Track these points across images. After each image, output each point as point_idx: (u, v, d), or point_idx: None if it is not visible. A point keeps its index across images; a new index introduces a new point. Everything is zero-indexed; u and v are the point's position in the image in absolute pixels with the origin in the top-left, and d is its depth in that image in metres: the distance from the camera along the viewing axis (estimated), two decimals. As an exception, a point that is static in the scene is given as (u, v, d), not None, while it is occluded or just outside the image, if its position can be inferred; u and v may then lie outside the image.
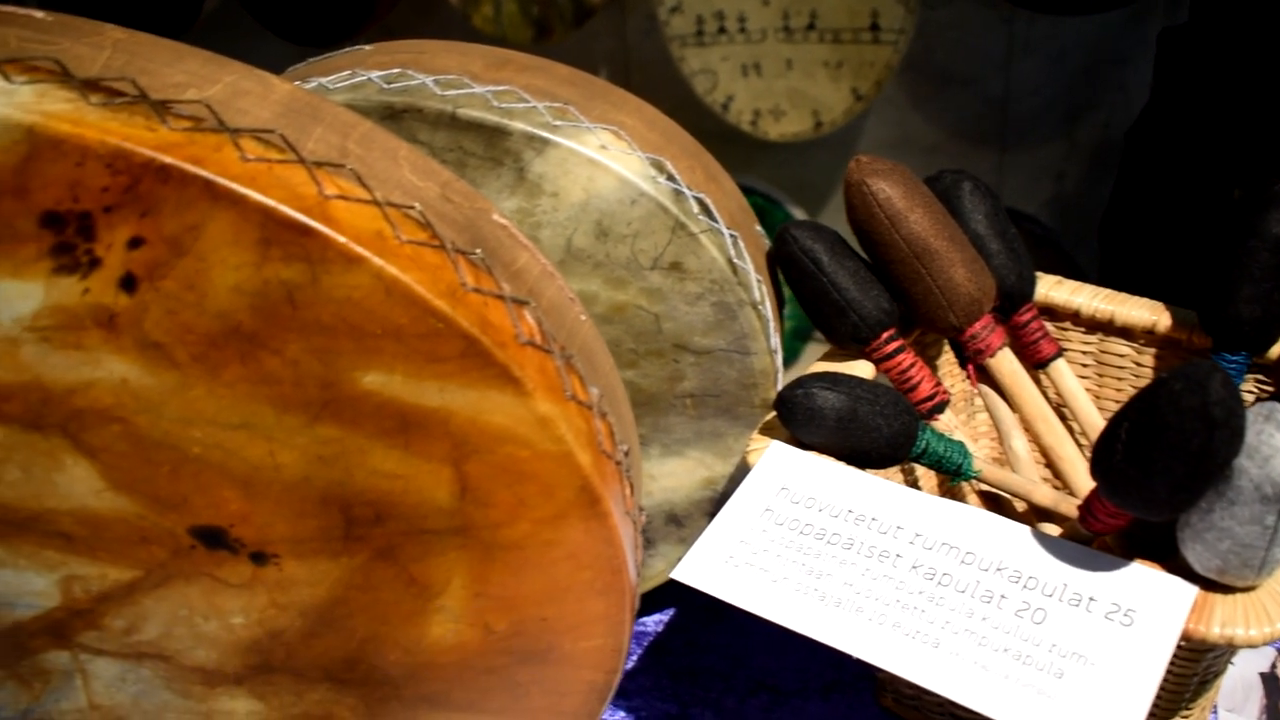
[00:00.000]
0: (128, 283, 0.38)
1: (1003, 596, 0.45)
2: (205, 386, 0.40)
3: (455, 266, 0.39)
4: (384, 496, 0.41)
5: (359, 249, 0.37)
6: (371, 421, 0.40)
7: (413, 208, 0.40)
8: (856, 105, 1.25)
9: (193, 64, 0.41)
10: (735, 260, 0.53)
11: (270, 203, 0.37)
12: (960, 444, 0.52)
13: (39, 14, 0.42)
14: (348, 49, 0.57)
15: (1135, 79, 1.36)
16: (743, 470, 0.55)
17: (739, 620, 0.65)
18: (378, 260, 0.37)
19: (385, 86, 0.51)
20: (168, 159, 0.36)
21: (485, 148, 0.51)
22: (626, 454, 0.44)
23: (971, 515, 0.47)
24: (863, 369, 0.56)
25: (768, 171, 1.43)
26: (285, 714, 0.47)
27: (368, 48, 0.57)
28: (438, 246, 0.39)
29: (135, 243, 0.38)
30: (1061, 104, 1.42)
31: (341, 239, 0.37)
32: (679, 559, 0.60)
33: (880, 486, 0.49)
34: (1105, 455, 0.42)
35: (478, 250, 0.41)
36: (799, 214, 1.46)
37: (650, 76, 1.39)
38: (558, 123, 0.51)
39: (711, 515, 0.58)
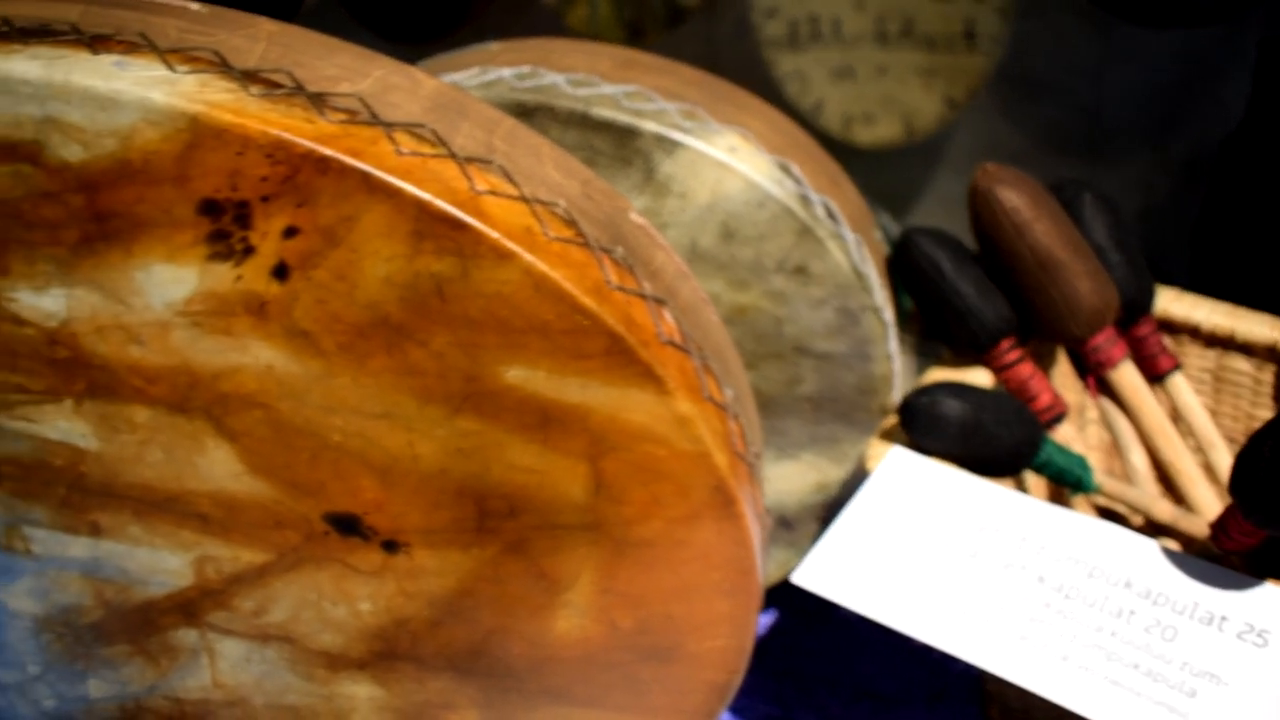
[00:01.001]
0: (280, 271, 0.39)
1: (1132, 612, 0.44)
2: (350, 376, 0.40)
3: (600, 264, 0.40)
4: (519, 490, 0.42)
5: (510, 244, 0.38)
6: (512, 416, 0.40)
7: (558, 205, 0.40)
8: (949, 113, 1.24)
9: (344, 58, 0.42)
10: (859, 265, 0.53)
11: (426, 196, 0.37)
12: (1081, 457, 0.52)
13: (194, 5, 0.43)
14: (474, 46, 0.58)
15: (1230, 90, 1.34)
16: (858, 476, 0.55)
17: (841, 625, 0.64)
18: (528, 256, 0.38)
19: (517, 84, 0.52)
20: (327, 151, 0.37)
21: (615, 147, 0.51)
22: (757, 456, 0.44)
23: (1098, 528, 0.47)
24: (980, 377, 0.55)
25: (854, 178, 1.42)
26: (406, 701, 0.47)
27: (494, 45, 0.57)
28: (583, 244, 0.40)
29: (290, 232, 0.38)
30: (1154, 115, 1.40)
31: (494, 234, 0.38)
32: (787, 561, 0.60)
33: (1004, 496, 0.48)
34: (1248, 473, 0.42)
35: (619, 248, 0.41)
36: (885, 220, 1.45)
37: (738, 80, 1.39)
38: (687, 124, 0.51)
39: (822, 520, 0.58)
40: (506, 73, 0.53)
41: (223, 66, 0.39)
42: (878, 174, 1.42)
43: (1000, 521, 0.48)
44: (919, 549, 0.48)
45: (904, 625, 0.45)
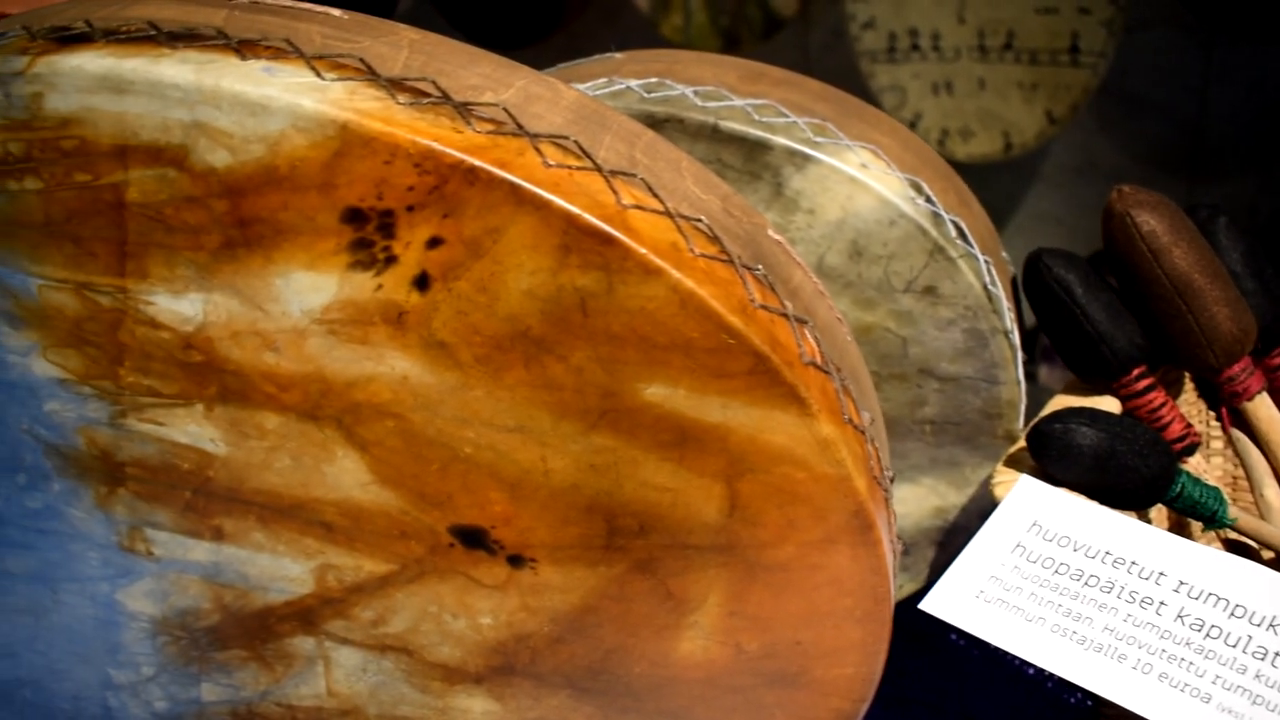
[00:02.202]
0: (421, 282, 0.38)
1: (1277, 654, 0.43)
2: (485, 388, 0.40)
3: (744, 282, 0.39)
4: (651, 509, 0.41)
5: (658, 260, 0.37)
6: (648, 434, 0.40)
7: (700, 220, 0.40)
8: (1049, 128, 1.22)
9: (486, 67, 0.41)
10: (989, 287, 0.52)
11: (574, 210, 0.37)
12: (1216, 489, 0.50)
13: (336, 12, 0.42)
14: (599, 56, 0.57)
15: (1338, 110, 1.31)
16: (977, 501, 0.54)
17: (950, 651, 0.63)
18: (675, 273, 0.37)
19: (646, 95, 0.51)
20: (476, 161, 0.37)
21: (744, 161, 0.50)
22: (891, 480, 0.43)
23: (1238, 566, 0.45)
24: (1109, 405, 0.54)
25: (946, 192, 1.40)
26: (522, 717, 0.47)
27: (619, 55, 0.57)
28: (727, 261, 0.39)
29: (434, 243, 0.38)
30: (1259, 134, 1.37)
31: (642, 250, 0.37)
32: (900, 586, 0.59)
33: (1139, 530, 0.47)
34: None
35: (760, 266, 0.40)
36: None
37: (831, 91, 1.38)
38: (818, 139, 0.50)
39: (939, 545, 0.57)
40: (634, 84, 0.52)
41: (369, 74, 0.38)
42: (972, 189, 1.41)
43: (1135, 555, 0.46)
44: (1052, 581, 0.46)
45: (1039, 658, 0.44)
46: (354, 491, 0.43)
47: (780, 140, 0.50)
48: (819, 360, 0.40)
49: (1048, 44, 1.20)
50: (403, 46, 0.41)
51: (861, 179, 0.50)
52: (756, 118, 0.50)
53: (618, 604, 0.43)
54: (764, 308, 0.39)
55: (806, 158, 0.50)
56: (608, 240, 0.37)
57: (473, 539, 0.43)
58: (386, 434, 0.41)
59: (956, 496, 0.56)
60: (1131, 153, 1.37)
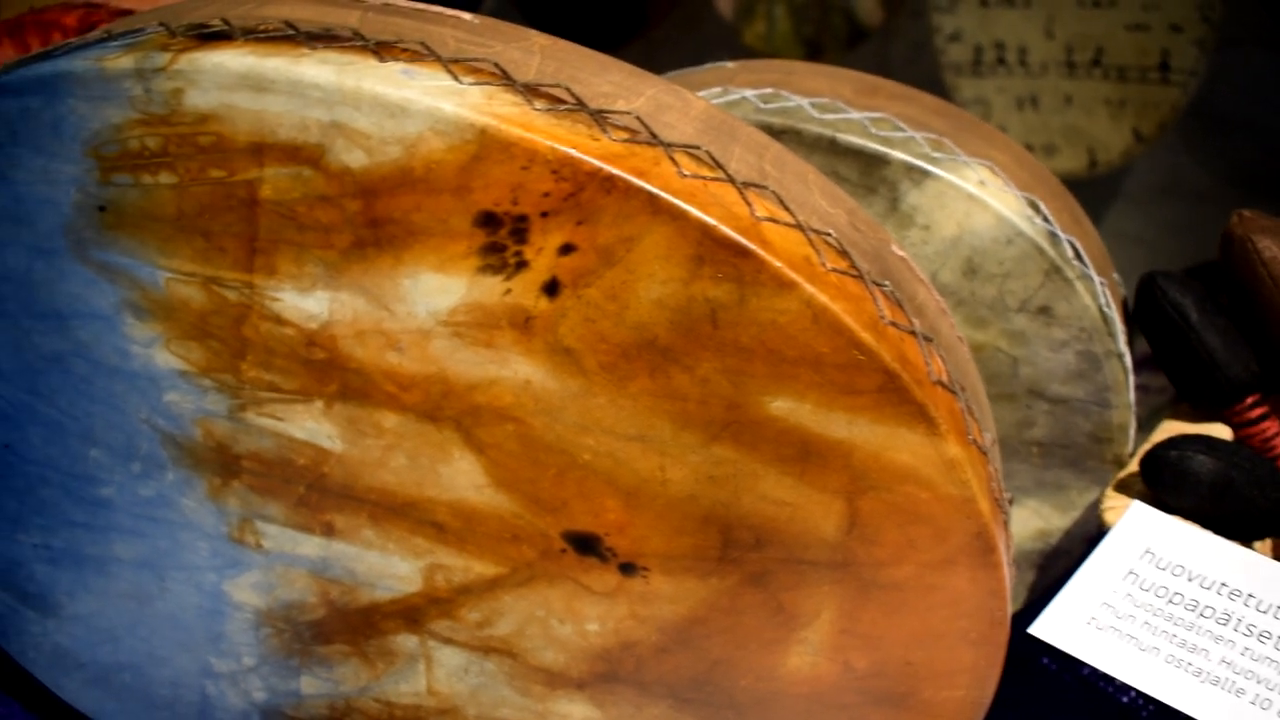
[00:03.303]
0: (551, 288, 0.39)
1: (1401, 695, 0.42)
2: (608, 396, 0.40)
3: (874, 298, 0.39)
4: (768, 522, 0.41)
5: (792, 274, 0.37)
6: (771, 447, 0.39)
7: (829, 234, 0.39)
8: (1136, 147, 1.20)
9: (616, 75, 0.41)
10: (1105, 309, 0.51)
11: (711, 221, 0.37)
12: (1331, 523, 0.49)
13: (466, 15, 0.43)
14: (710, 65, 0.57)
15: None
16: (1082, 526, 0.54)
17: (1038, 680, 0.62)
18: (809, 287, 0.37)
19: (762, 106, 0.51)
20: (614, 170, 0.37)
21: (861, 175, 0.50)
22: (1010, 503, 0.43)
23: (1359, 603, 0.44)
24: (1219, 433, 0.53)
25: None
26: (622, 725, 0.47)
27: (731, 65, 0.57)
28: (857, 276, 0.39)
29: (566, 249, 0.38)
30: (1350, 159, 1.34)
31: (777, 263, 0.37)
32: (997, 608, 0.58)
33: (1256, 561, 0.46)
34: None
35: (887, 282, 0.40)
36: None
37: (911, 102, 1.37)
38: (936, 154, 0.50)
39: (1039, 568, 0.56)
40: (749, 93, 0.52)
41: (505, 79, 0.39)
42: (1052, 206, 1.39)
43: (1253, 587, 0.46)
44: (1166, 610, 0.46)
45: (1152, 689, 0.43)
46: (468, 493, 0.43)
47: (898, 155, 0.50)
48: (946, 379, 0.40)
49: (1137, 61, 1.19)
50: (534, 52, 0.41)
51: (979, 196, 0.50)
52: (874, 131, 0.50)
53: (728, 616, 0.43)
54: (893, 325, 0.39)
55: (924, 173, 0.50)
56: (743, 252, 0.37)
57: (585, 545, 0.43)
58: (505, 437, 0.41)
59: (1060, 520, 0.55)
60: (1217, 172, 1.35)
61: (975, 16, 1.21)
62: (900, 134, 0.50)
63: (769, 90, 0.52)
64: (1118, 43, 1.18)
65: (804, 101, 0.51)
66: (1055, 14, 1.19)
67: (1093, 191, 1.36)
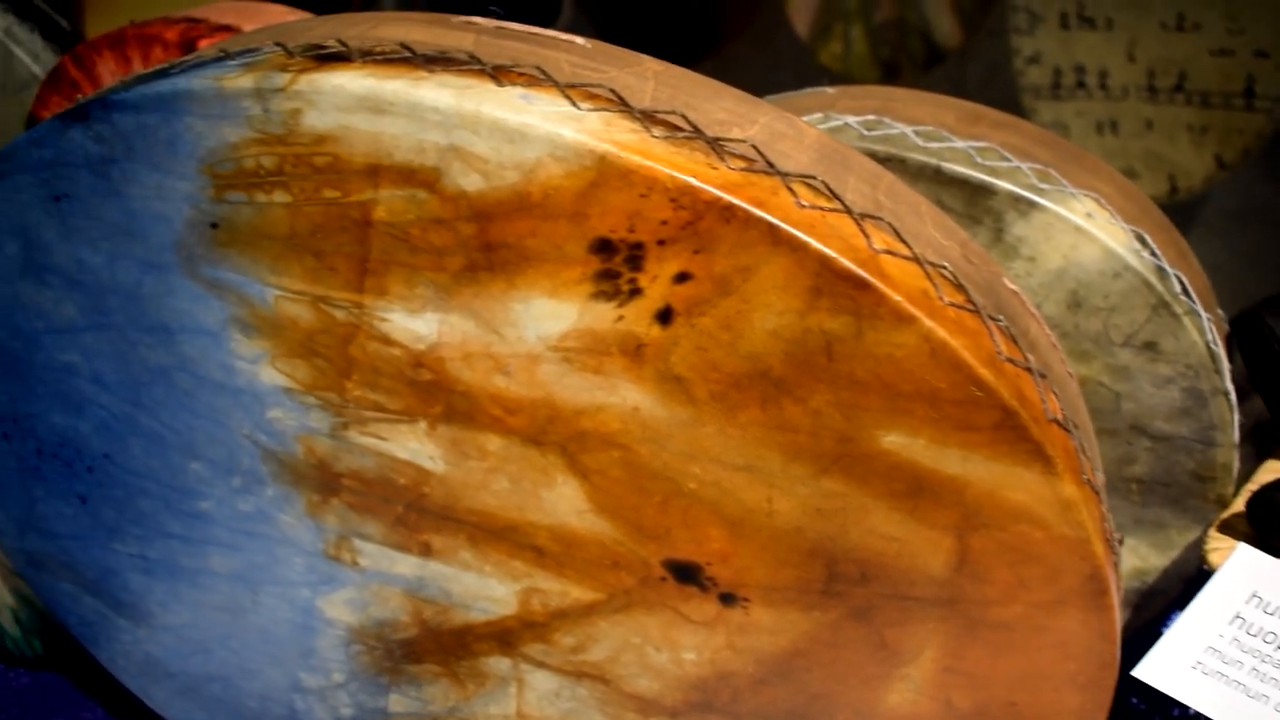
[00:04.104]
0: (664, 316, 0.38)
1: None
2: (717, 425, 0.39)
3: (991, 334, 0.38)
4: (875, 557, 0.40)
5: (911, 308, 0.36)
6: (881, 481, 0.39)
7: (945, 267, 0.39)
8: (1219, 173, 1.19)
9: (728, 102, 0.41)
10: (1212, 345, 0.50)
11: (830, 253, 0.36)
12: None
13: (579, 40, 0.43)
14: (810, 90, 0.57)
15: None
16: (1180, 566, 0.53)
17: (1132, 715, 0.61)
18: (928, 321, 0.36)
19: (865, 133, 0.51)
20: (734, 199, 0.36)
21: (965, 205, 0.49)
22: (1121, 543, 0.42)
23: None
24: (1325, 473, 0.52)
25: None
26: (715, 755, 0.46)
27: (831, 90, 0.56)
28: (974, 311, 0.38)
29: (681, 278, 0.38)
30: None
31: (896, 296, 0.36)
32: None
33: (1368, 609, 0.45)
34: None
35: (1002, 317, 0.40)
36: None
37: (985, 124, 1.35)
38: (1043, 185, 0.49)
39: (1135, 607, 0.55)
40: (852, 120, 0.51)
41: (622, 106, 0.38)
42: (1129, 231, 1.37)
43: (1366, 636, 0.44)
44: (1270, 654, 0.45)
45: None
46: (570, 518, 0.43)
47: (1004, 185, 0.49)
48: (1061, 417, 0.39)
49: (1221, 86, 1.17)
50: (648, 78, 0.41)
51: (1087, 229, 0.49)
52: (979, 160, 0.50)
53: (829, 650, 0.43)
54: (1010, 361, 0.38)
55: (1031, 204, 0.49)
56: (862, 285, 0.36)
57: (686, 574, 0.43)
58: (610, 464, 0.41)
59: (1158, 559, 0.54)
60: (1298, 201, 1.33)
61: (1055, 39, 1.20)
62: (1006, 164, 0.50)
63: (871, 117, 0.52)
64: (1201, 68, 1.17)
65: (908, 129, 0.51)
66: (1138, 37, 1.18)
67: (1170, 218, 1.34)
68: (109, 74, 0.68)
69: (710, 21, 1.33)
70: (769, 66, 1.57)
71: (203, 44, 0.64)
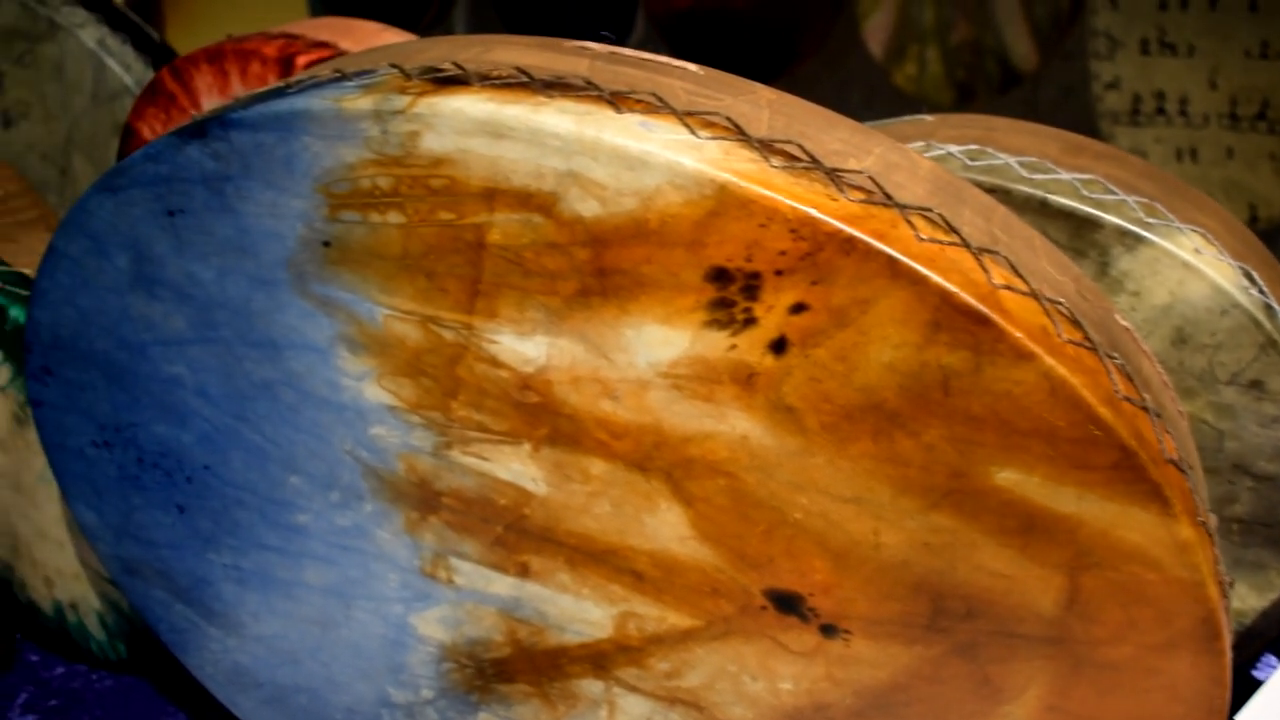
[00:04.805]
0: (778, 346, 0.38)
1: None
2: (827, 456, 0.39)
3: (1109, 372, 0.38)
4: (982, 593, 0.40)
5: (1032, 345, 0.36)
6: (993, 518, 0.39)
7: (1061, 303, 0.39)
8: (1300, 203, 1.17)
9: (843, 131, 0.41)
10: (1319, 386, 0.49)
11: (951, 287, 0.36)
12: None
13: (692, 66, 0.43)
14: (909, 118, 0.56)
15: None
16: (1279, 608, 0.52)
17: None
18: (1048, 359, 0.36)
19: (969, 163, 0.50)
20: (854, 231, 0.36)
21: (1070, 238, 0.49)
22: (1231, 586, 0.41)
23: None
24: None
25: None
26: (807, 786, 0.46)
27: (929, 118, 0.56)
28: (1091, 348, 0.38)
29: (798, 308, 0.38)
30: None
31: (1016, 333, 0.36)
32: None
33: None
34: None
35: (1117, 354, 0.39)
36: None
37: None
38: (1150, 220, 0.49)
39: (1236, 649, 0.54)
40: (954, 149, 0.51)
41: (740, 135, 0.38)
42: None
43: None
44: (1380, 704, 0.44)
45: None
46: (671, 544, 0.43)
47: (1111, 219, 0.49)
48: (1176, 458, 0.38)
49: (1306, 115, 1.16)
50: (763, 106, 0.41)
51: (1194, 264, 0.48)
52: (1085, 193, 0.49)
53: (930, 685, 0.42)
54: (1127, 400, 0.38)
55: (1138, 238, 0.48)
56: (982, 320, 0.36)
57: (787, 604, 0.42)
58: (716, 491, 0.41)
59: (1256, 600, 0.53)
60: (1378, 232, 1.31)
61: (1135, 65, 1.19)
62: (1112, 197, 0.49)
63: (974, 146, 0.51)
64: (1286, 96, 1.15)
65: (1011, 160, 0.50)
66: (1220, 65, 1.16)
67: (1248, 247, 1.33)
68: (205, 87, 0.69)
69: (786, 40, 1.33)
70: (839, 87, 1.56)
71: (301, 60, 0.64)
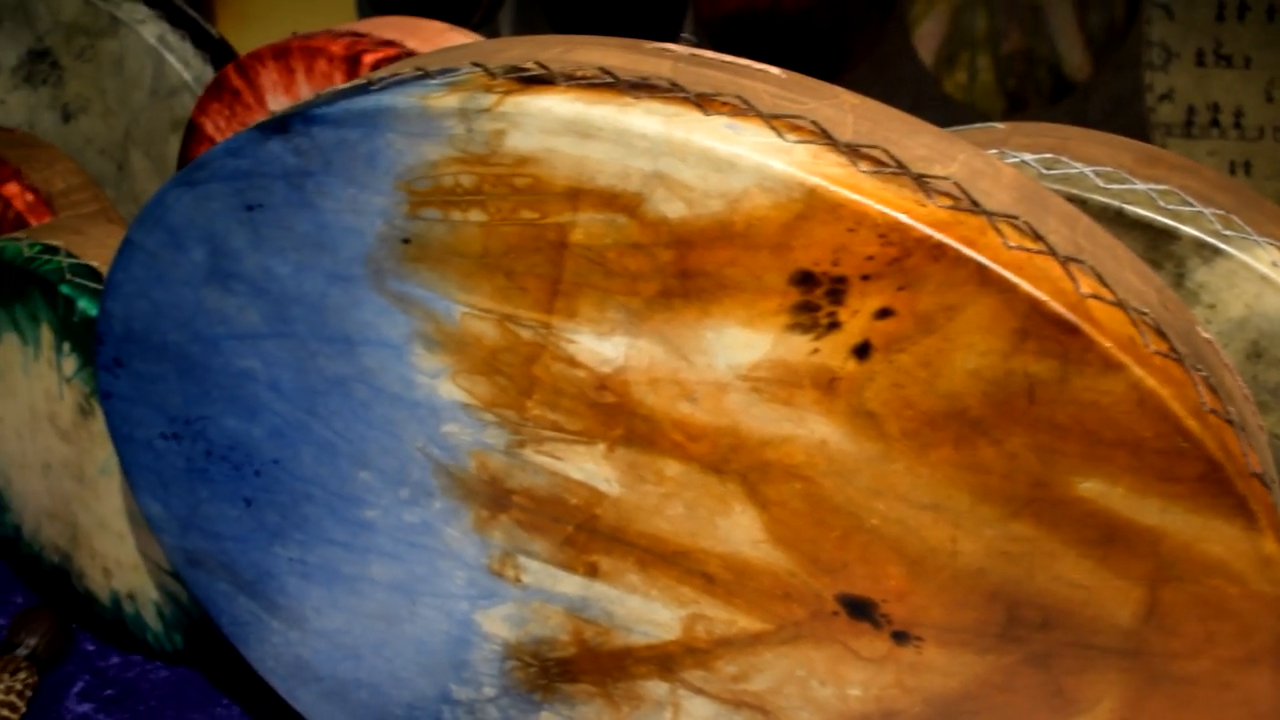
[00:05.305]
0: (861, 351, 0.38)
1: None
2: (906, 463, 0.39)
3: (1195, 384, 0.37)
4: (1059, 604, 0.40)
5: (1120, 355, 0.36)
6: (1074, 528, 0.38)
7: (1146, 314, 0.38)
8: (1356, 219, 1.16)
9: (927, 137, 0.41)
10: (1397, 402, 0.49)
11: (1040, 295, 0.36)
12: None
13: (773, 69, 0.43)
14: (980, 125, 0.56)
15: None
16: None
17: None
18: (1137, 369, 0.36)
19: (1045, 172, 0.50)
20: (944, 238, 0.36)
21: (1146, 249, 0.49)
22: (1311, 602, 0.41)
23: None
24: None
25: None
26: (872, 793, 0.46)
27: (1001, 126, 0.56)
28: (1177, 359, 0.38)
29: (883, 313, 0.37)
30: None
31: (1106, 343, 0.36)
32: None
33: None
34: None
35: (1202, 366, 0.39)
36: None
37: (1107, 159, 1.34)
38: (1227, 232, 0.49)
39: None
40: (1029, 158, 0.51)
41: (827, 139, 0.38)
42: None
43: None
44: None
45: None
46: (744, 547, 0.43)
47: (1188, 230, 0.48)
48: (1260, 472, 0.38)
49: (1362, 130, 1.15)
50: (846, 110, 0.41)
51: (1272, 278, 0.48)
52: (1161, 204, 0.49)
53: (1001, 694, 0.42)
54: (1213, 412, 0.37)
55: (1215, 251, 0.48)
56: (1071, 330, 0.36)
57: (860, 610, 0.42)
58: (791, 495, 0.41)
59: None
60: None
61: (1190, 76, 1.18)
62: (1189, 208, 0.49)
63: (1049, 155, 0.51)
64: (1342, 111, 1.14)
65: (1087, 169, 0.50)
66: (1277, 77, 1.15)
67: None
68: (271, 84, 0.69)
69: (835, 45, 1.33)
70: (886, 93, 1.56)
71: (367, 58, 0.65)
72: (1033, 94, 1.25)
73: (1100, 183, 0.50)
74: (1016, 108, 1.26)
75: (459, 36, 0.69)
